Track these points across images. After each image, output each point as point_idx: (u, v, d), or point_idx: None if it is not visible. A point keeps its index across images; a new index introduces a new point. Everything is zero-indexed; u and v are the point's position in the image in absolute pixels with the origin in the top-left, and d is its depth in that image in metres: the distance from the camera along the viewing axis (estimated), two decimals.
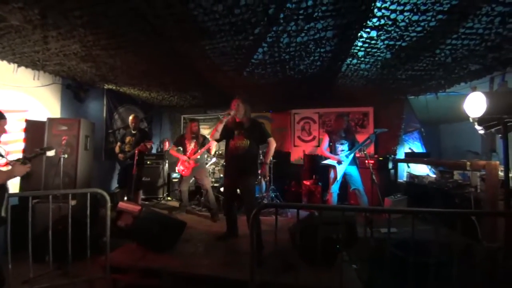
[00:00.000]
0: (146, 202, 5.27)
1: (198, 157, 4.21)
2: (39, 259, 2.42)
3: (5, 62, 3.41)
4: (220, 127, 2.93)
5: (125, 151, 4.35)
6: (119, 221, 2.93)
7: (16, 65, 3.53)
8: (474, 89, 2.34)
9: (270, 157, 3.20)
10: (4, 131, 2.03)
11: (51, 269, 2.39)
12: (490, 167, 2.72)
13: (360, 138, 4.04)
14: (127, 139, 4.45)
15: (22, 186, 3.46)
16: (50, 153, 2.25)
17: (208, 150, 4.43)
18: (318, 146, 6.06)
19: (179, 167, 4.27)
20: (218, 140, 3.13)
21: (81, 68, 3.74)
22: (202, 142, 4.28)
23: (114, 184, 5.52)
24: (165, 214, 3.46)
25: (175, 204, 5.23)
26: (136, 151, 4.09)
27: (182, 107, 6.79)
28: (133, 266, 2.55)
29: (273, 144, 3.07)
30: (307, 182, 5.14)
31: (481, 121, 2.09)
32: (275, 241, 1.97)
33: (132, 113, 4.73)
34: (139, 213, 2.76)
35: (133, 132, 4.44)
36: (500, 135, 2.12)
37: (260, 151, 4.61)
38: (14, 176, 1.95)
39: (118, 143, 4.50)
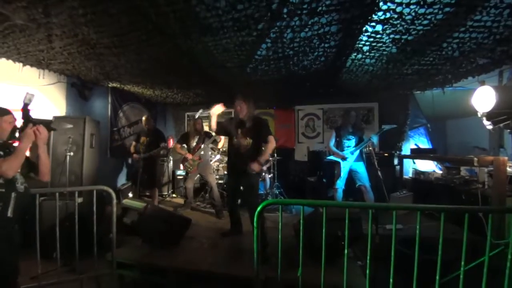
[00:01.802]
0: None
1: (202, 152, 4.22)
2: (47, 255, 2.46)
3: (10, 62, 3.44)
4: (213, 120, 3.02)
5: (140, 151, 4.38)
6: (124, 218, 2.96)
7: (21, 64, 3.55)
8: (482, 83, 2.29)
9: (266, 157, 2.95)
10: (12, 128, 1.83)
11: (58, 265, 2.42)
12: (498, 162, 2.67)
13: (367, 134, 4.00)
14: (142, 139, 4.46)
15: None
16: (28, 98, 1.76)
17: (215, 143, 4.42)
18: (322, 142, 6.03)
19: (185, 165, 4.29)
20: (216, 132, 3.22)
21: (85, 66, 3.75)
22: (204, 138, 4.29)
23: (120, 181, 5.58)
24: (170, 211, 3.49)
25: (180, 201, 5.26)
26: (153, 154, 4.23)
27: (185, 105, 6.81)
28: (138, 263, 2.58)
29: (272, 143, 2.90)
30: (311, 179, 5.12)
31: (489, 116, 2.04)
32: (279, 237, 1.97)
33: (139, 112, 4.72)
34: (145, 210, 2.78)
35: (148, 132, 4.46)
36: (509, 130, 2.08)
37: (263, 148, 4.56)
38: (20, 155, 1.58)
39: (133, 143, 4.54)
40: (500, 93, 1.91)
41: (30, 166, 1.76)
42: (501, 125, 2.12)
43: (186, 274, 2.44)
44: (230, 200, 3.17)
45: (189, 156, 4.18)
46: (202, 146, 4.22)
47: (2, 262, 1.53)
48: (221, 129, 3.13)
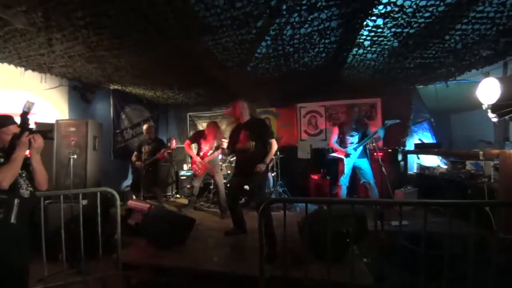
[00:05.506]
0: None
1: (212, 159, 4.21)
2: (53, 258, 2.49)
3: (12, 67, 3.46)
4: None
5: (143, 159, 4.40)
6: (129, 219, 2.97)
7: (23, 68, 3.57)
8: (487, 75, 2.26)
9: (269, 159, 2.98)
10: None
11: (64, 267, 2.44)
12: (504, 156, 2.64)
13: (371, 130, 3.95)
14: (144, 148, 4.48)
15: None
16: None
17: (221, 151, 4.40)
18: (325, 139, 5.99)
19: (194, 167, 4.27)
20: (229, 152, 3.24)
21: (86, 69, 3.76)
22: (213, 147, 4.25)
23: (124, 183, 5.60)
24: (174, 212, 3.49)
25: (184, 201, 5.26)
26: (157, 157, 4.25)
27: (187, 105, 6.82)
28: (144, 263, 2.58)
29: (274, 147, 2.94)
30: (315, 176, 5.10)
31: (495, 108, 2.01)
32: (284, 235, 1.96)
33: (141, 113, 4.70)
34: (149, 210, 2.79)
35: (149, 141, 4.48)
36: None
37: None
38: (15, 164, 1.53)
39: (135, 153, 4.57)
40: (505, 84, 1.87)
41: (30, 174, 1.71)
42: (507, 117, 2.08)
43: (191, 274, 2.44)
44: (231, 199, 3.15)
45: (198, 160, 4.16)
46: (209, 153, 4.20)
47: (11, 267, 1.53)
48: (231, 144, 3.15)
